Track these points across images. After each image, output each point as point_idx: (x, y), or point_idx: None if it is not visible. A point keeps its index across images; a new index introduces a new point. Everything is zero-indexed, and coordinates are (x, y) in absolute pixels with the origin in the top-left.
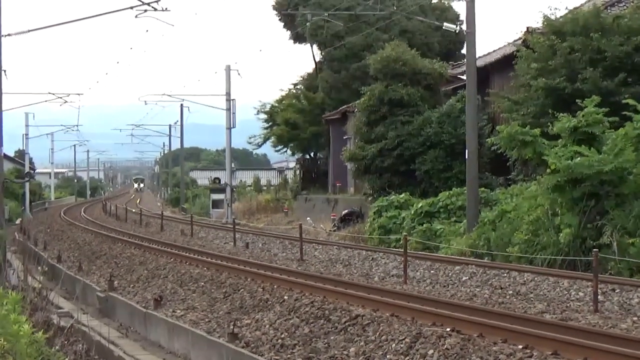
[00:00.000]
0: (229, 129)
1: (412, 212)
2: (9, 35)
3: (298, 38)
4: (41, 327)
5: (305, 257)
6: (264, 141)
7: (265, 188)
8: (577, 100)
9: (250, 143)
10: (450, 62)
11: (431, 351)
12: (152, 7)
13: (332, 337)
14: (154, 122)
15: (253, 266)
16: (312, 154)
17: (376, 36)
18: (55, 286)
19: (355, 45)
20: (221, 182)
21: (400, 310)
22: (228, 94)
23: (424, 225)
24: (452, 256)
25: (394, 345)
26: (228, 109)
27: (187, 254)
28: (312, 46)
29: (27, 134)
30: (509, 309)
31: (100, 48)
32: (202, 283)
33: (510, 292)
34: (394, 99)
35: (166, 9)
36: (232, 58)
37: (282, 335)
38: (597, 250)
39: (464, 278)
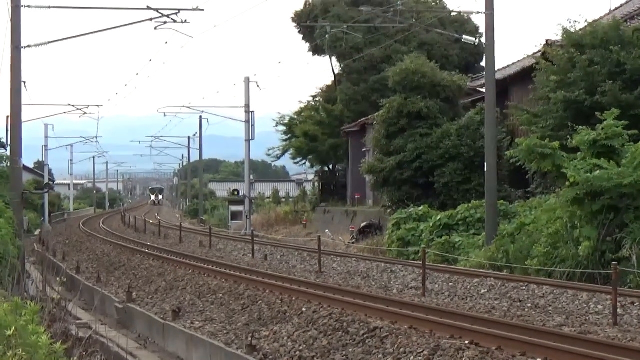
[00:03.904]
0: (248, 140)
1: (431, 224)
2: (28, 46)
3: (317, 50)
4: (60, 338)
5: (324, 269)
6: (283, 153)
7: (284, 200)
8: (596, 113)
9: (269, 155)
10: (470, 75)
11: None
12: (172, 19)
13: (350, 350)
14: (173, 134)
15: (271, 278)
16: (331, 166)
17: (395, 48)
18: (74, 297)
19: (374, 58)
20: (240, 194)
21: (418, 323)
22: (247, 105)
23: (443, 237)
24: (471, 269)
25: (412, 357)
26: (247, 121)
27: (205, 266)
28: (331, 58)
29: (46, 146)
30: (527, 322)
31: (119, 60)
32: (221, 295)
33: (529, 304)
34: (413, 111)
35: (185, 21)
36: (251, 70)
37: (300, 347)
38: (616, 263)
39: (482, 291)
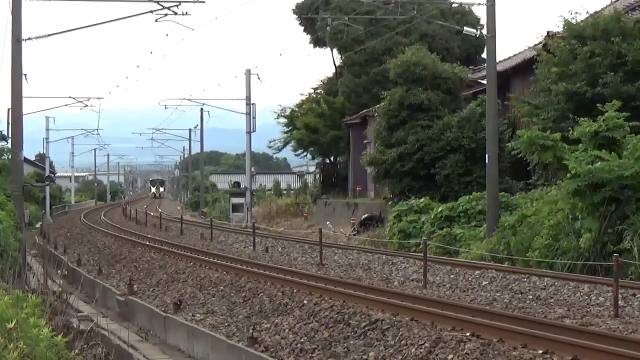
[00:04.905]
0: (249, 133)
1: (432, 216)
2: (29, 39)
3: (318, 42)
4: (61, 331)
5: (325, 262)
6: (284, 145)
7: (285, 192)
8: (597, 105)
9: (270, 147)
10: (471, 67)
11: (451, 356)
12: (172, 11)
13: (351, 342)
14: (174, 126)
15: (272, 270)
16: (332, 158)
17: (396, 40)
18: (75, 290)
19: (375, 50)
20: (241, 186)
21: (419, 315)
22: (248, 98)
23: (444, 229)
24: (472, 261)
25: (413, 349)
26: (248, 113)
27: (206, 258)
28: (332, 50)
29: (47, 138)
30: (529, 314)
31: (120, 52)
32: (222, 287)
33: (530, 296)
34: (414, 103)
35: (186, 13)
36: (252, 62)
37: (302, 340)
38: (617, 255)
39: (483, 283)
